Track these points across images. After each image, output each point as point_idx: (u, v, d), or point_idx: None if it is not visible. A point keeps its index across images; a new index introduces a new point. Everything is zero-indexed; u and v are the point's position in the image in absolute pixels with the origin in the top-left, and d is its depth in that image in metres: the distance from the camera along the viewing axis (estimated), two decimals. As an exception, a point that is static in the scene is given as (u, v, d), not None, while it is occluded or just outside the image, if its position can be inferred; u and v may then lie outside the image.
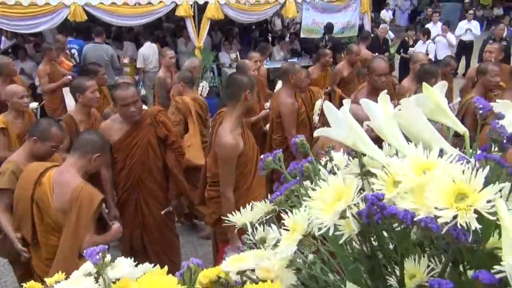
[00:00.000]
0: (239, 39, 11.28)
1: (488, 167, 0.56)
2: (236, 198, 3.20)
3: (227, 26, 10.97)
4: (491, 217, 0.53)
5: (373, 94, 3.54)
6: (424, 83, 0.83)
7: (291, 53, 10.63)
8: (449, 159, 0.60)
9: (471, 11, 12.40)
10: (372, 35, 9.90)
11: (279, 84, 5.53)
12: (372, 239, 0.65)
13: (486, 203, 0.53)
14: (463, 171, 0.57)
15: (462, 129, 0.76)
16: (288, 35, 11.57)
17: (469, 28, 11.45)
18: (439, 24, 10.94)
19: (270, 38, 12.03)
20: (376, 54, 7.91)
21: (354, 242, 0.69)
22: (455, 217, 0.54)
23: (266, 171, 0.81)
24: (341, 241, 0.64)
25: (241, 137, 3.18)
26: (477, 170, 0.56)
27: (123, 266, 0.72)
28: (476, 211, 0.54)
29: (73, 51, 8.74)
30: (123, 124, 3.53)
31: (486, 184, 0.55)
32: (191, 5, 8.41)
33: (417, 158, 0.63)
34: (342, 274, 0.76)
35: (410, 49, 9.60)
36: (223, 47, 10.12)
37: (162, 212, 3.72)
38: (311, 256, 0.82)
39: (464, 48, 11.43)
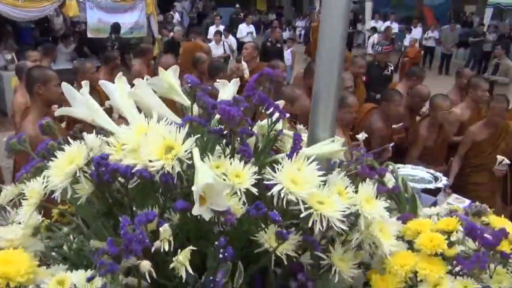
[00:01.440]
0: (16, 39, 10.19)
1: (187, 126, 0.72)
2: None
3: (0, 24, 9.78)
4: (188, 162, 0.69)
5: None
6: (160, 68, 0.97)
7: (78, 54, 10.09)
8: (164, 123, 0.74)
9: (250, 16, 13.72)
10: (160, 36, 10.12)
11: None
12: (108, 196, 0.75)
13: (185, 152, 0.69)
14: (171, 131, 0.71)
15: (187, 102, 0.92)
16: (71, 35, 10.92)
17: (250, 32, 12.68)
18: (222, 27, 11.81)
19: (51, 38, 11.17)
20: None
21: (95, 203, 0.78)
22: (164, 166, 0.68)
23: (11, 153, 0.84)
24: (78, 202, 0.72)
25: None
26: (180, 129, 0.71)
27: None
28: (179, 159, 0.69)
29: None
30: None
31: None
32: None
33: (140, 125, 0.75)
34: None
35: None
36: (-5, 47, 9.03)
37: None
38: (66, 229, 0.88)
39: (245, 49, 12.58)
